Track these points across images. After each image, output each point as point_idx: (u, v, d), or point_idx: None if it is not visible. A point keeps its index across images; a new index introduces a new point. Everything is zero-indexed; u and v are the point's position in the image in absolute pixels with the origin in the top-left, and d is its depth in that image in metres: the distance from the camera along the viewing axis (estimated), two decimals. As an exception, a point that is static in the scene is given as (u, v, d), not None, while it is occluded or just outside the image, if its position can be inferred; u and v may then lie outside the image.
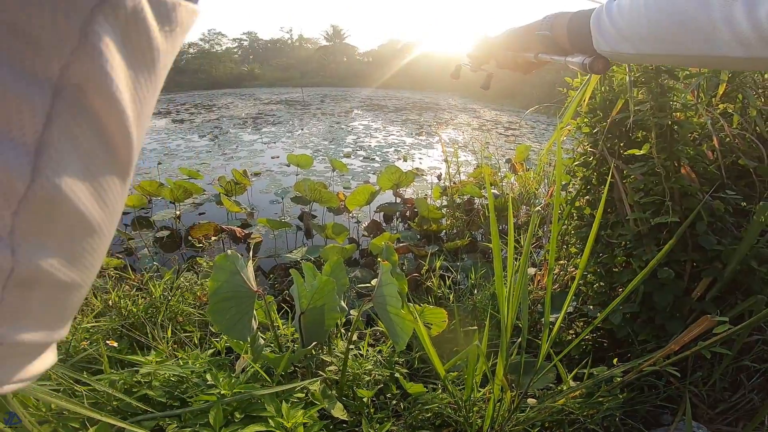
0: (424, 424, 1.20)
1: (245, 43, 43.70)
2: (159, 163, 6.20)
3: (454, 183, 3.79)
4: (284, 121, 11.07)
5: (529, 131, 9.40)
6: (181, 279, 1.91)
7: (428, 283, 2.39)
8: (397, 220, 3.95)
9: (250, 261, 1.16)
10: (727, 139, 1.67)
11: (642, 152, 1.20)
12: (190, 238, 3.05)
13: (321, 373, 1.45)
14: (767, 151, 1.72)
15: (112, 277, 2.03)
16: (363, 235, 3.66)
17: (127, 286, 1.88)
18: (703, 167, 1.32)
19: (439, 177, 5.22)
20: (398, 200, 4.11)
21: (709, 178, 1.43)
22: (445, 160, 3.81)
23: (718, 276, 1.29)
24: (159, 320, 1.61)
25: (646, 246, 1.30)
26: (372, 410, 1.25)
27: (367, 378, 1.41)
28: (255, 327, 1.26)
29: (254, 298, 1.15)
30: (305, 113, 12.71)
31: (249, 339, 1.21)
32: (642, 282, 1.10)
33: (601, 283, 1.60)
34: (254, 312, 1.21)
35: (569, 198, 1.67)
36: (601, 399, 1.14)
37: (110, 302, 1.67)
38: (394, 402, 1.31)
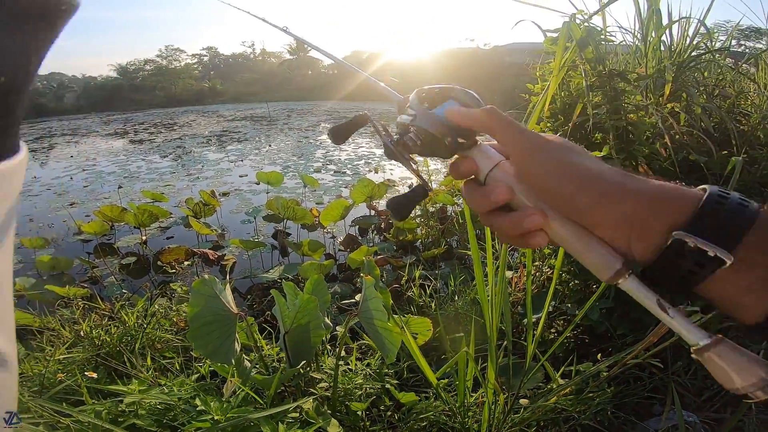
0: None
1: (205, 58, 42.94)
2: (120, 187, 5.95)
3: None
4: (250, 137, 10.90)
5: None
6: (155, 305, 1.86)
7: (409, 293, 2.40)
8: (372, 232, 3.96)
9: (228, 284, 1.13)
10: (677, 136, 1.79)
11: (602, 154, 1.26)
12: (159, 263, 2.93)
13: (312, 390, 1.43)
14: (714, 145, 1.86)
15: (80, 307, 1.94)
16: (339, 250, 3.63)
17: (96, 316, 1.81)
18: (658, 164, 1.40)
19: (410, 187, 5.27)
20: (372, 213, 4.11)
21: (664, 174, 1.52)
22: (415, 171, 3.85)
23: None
24: (136, 348, 1.57)
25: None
26: (367, 423, 1.24)
27: (359, 392, 1.40)
28: (238, 349, 1.23)
29: (236, 320, 1.12)
30: (272, 129, 12.58)
31: (234, 362, 1.19)
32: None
33: (576, 281, 1.66)
34: (236, 334, 1.18)
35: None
36: (590, 394, 1.17)
37: (81, 333, 1.60)
38: (388, 413, 1.30)
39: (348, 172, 6.54)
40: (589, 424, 1.26)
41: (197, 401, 1.04)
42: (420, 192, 0.40)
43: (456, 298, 2.21)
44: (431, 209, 3.64)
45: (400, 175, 6.15)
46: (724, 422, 1.29)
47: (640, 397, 1.37)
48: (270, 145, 9.51)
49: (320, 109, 19.04)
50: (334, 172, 6.61)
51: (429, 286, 2.36)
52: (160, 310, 1.85)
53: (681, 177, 1.63)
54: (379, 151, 8.24)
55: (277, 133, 11.69)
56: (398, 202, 0.40)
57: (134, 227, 3.81)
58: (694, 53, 2.12)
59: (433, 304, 2.21)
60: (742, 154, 1.87)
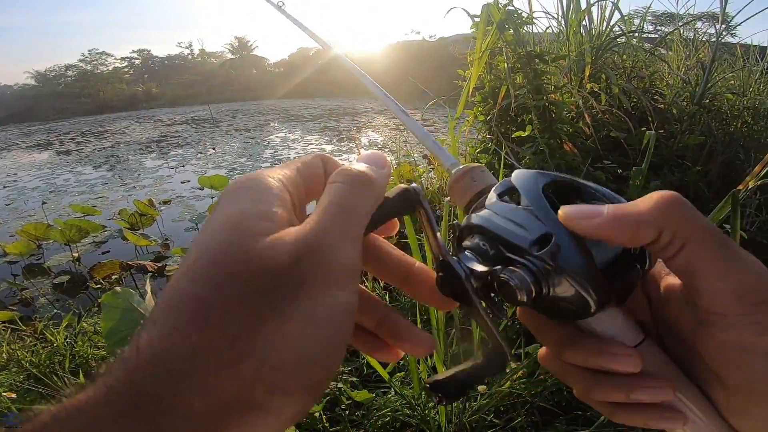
0: (385, 428, 1.19)
1: (137, 61, 40.27)
2: (44, 203, 5.44)
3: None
4: (192, 141, 10.37)
5: (442, 126, 9.87)
6: (84, 323, 1.79)
7: (362, 286, 2.38)
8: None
9: (149, 294, 1.06)
10: (599, 115, 1.90)
11: (526, 134, 1.31)
12: (88, 282, 2.72)
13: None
14: (633, 122, 1.99)
15: (7, 330, 1.83)
16: (291, 249, 3.55)
17: (28, 338, 1.75)
18: (581, 142, 1.48)
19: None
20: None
21: (589, 151, 1.61)
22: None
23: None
24: (67, 367, 1.53)
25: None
26: (327, 424, 1.21)
27: None
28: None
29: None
30: (216, 131, 12.04)
31: None
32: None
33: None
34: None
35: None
36: (542, 376, 1.19)
37: (4, 355, 1.51)
38: (347, 412, 1.28)
39: (297, 170, 6.40)
40: (545, 407, 1.28)
41: None
42: (494, 365, 0.23)
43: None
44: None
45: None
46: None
47: None
48: (214, 149, 9.10)
49: (268, 108, 18.48)
50: (283, 171, 6.44)
51: (381, 279, 2.35)
52: (90, 327, 1.78)
53: (604, 154, 1.74)
54: (329, 147, 8.14)
55: (222, 135, 11.21)
56: (456, 382, 0.23)
57: (64, 244, 3.51)
58: (611, 36, 2.26)
59: (387, 297, 2.22)
60: (659, 130, 2.02)
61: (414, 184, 0.23)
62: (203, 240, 0.18)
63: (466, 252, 0.23)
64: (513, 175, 0.23)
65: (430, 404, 1.17)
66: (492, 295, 0.22)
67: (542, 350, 0.26)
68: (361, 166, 0.22)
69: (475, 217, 0.23)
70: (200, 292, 0.16)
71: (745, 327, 0.19)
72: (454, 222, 0.25)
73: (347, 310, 0.18)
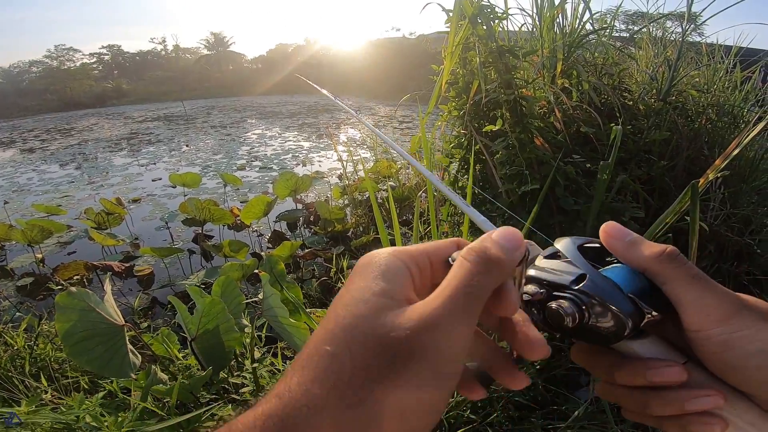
0: None
1: (106, 57, 38.81)
2: (5, 203, 5.18)
3: (354, 181, 3.81)
4: (165, 139, 10.06)
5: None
6: (45, 325, 1.74)
7: (340, 284, 2.36)
8: (302, 226, 3.84)
9: (108, 294, 1.01)
10: (569, 111, 1.92)
11: (497, 128, 1.31)
12: (49, 283, 2.59)
13: (235, 397, 1.35)
14: (602, 118, 2.03)
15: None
16: (268, 248, 3.48)
17: None
18: (552, 137, 1.49)
19: (340, 177, 5.21)
20: (299, 206, 3.99)
21: (559, 146, 1.62)
22: (339, 160, 3.81)
23: (582, 233, 1.46)
24: (27, 370, 1.50)
25: (519, 214, 1.44)
26: None
27: None
28: (137, 362, 1.12)
29: (123, 332, 1.00)
30: (190, 128, 11.72)
31: (138, 375, 1.08)
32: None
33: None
34: (128, 346, 1.06)
35: (451, 180, 1.77)
36: None
37: None
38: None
39: (274, 167, 6.30)
40: (521, 402, 1.29)
41: (87, 418, 0.96)
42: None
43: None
44: (359, 197, 3.62)
45: (329, 167, 6.05)
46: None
47: (566, 369, 1.40)
48: (187, 146, 8.85)
49: (245, 104, 18.12)
50: (260, 168, 6.32)
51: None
52: (51, 330, 1.72)
53: (574, 149, 1.76)
54: (307, 144, 8.03)
55: (196, 132, 10.92)
56: (485, 376, 0.28)
57: (27, 245, 3.34)
58: (582, 34, 2.30)
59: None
60: (627, 126, 2.07)
61: (528, 243, 0.29)
62: (339, 311, 0.23)
63: (523, 296, 0.29)
64: (555, 241, 0.30)
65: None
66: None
67: (598, 386, 0.31)
68: (494, 247, 0.25)
69: (530, 271, 0.29)
70: (336, 351, 0.21)
71: (722, 337, 0.24)
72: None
73: (450, 376, 0.22)
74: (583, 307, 0.26)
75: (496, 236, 0.26)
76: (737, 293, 0.26)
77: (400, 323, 0.21)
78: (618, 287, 0.26)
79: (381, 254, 0.25)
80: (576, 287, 0.26)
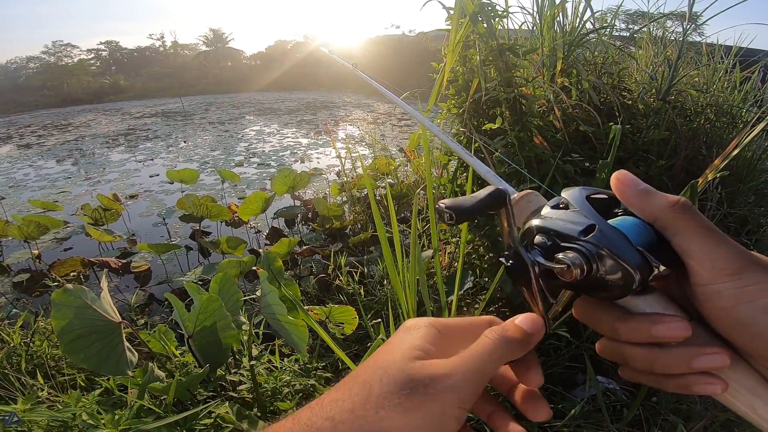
0: None
1: (104, 53, 38.58)
2: (2, 198, 5.15)
3: (353, 178, 3.80)
4: (162, 135, 10.02)
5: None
6: (41, 322, 1.76)
7: (337, 282, 2.35)
8: (300, 223, 3.84)
9: (105, 291, 1.00)
10: (569, 109, 1.92)
11: (496, 126, 1.31)
12: (46, 280, 2.58)
13: (231, 394, 1.35)
14: (601, 117, 2.03)
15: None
16: (266, 245, 3.47)
17: None
18: (551, 135, 1.49)
19: (338, 174, 5.20)
20: (297, 203, 3.98)
21: (558, 144, 1.62)
22: (338, 157, 3.80)
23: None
24: (23, 367, 1.49)
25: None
26: None
27: (287, 389, 1.35)
28: (134, 359, 1.11)
29: (119, 329, 0.99)
30: (188, 124, 11.67)
31: (135, 372, 1.08)
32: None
33: (491, 255, 1.73)
34: (125, 343, 1.05)
35: (450, 177, 1.77)
36: None
37: None
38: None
39: (273, 164, 6.28)
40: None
41: (84, 415, 0.96)
42: (495, 194, 0.29)
43: (384, 282, 2.21)
44: (357, 194, 3.61)
45: (327, 163, 6.04)
46: (642, 387, 1.41)
47: (562, 368, 1.40)
48: (185, 142, 8.81)
49: (243, 101, 18.05)
50: (258, 164, 6.30)
51: (357, 273, 2.33)
52: (48, 327, 1.71)
53: (573, 147, 1.76)
54: (306, 141, 8.01)
55: (194, 128, 10.87)
56: (461, 206, 0.29)
57: (23, 241, 3.33)
58: (583, 32, 2.29)
59: (361, 291, 2.19)
60: (626, 125, 2.07)
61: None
62: (380, 354, 0.28)
63: (533, 248, 0.28)
64: (562, 191, 0.29)
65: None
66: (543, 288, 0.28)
67: (599, 343, 0.31)
68: (515, 331, 0.28)
69: (535, 221, 0.29)
70: (368, 380, 0.26)
71: (732, 291, 0.24)
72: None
73: (454, 418, 0.25)
74: (591, 259, 0.26)
75: (519, 321, 0.29)
76: (751, 252, 0.25)
77: (425, 368, 0.26)
78: (627, 239, 0.25)
79: (421, 321, 0.30)
80: (585, 238, 0.26)
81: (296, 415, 0.26)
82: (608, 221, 0.27)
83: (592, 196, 0.29)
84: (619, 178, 0.28)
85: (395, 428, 0.24)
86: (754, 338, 0.24)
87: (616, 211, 0.29)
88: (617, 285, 0.25)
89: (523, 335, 0.28)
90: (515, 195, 0.32)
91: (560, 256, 0.26)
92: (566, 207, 0.28)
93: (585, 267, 0.26)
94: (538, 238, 0.28)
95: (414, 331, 0.29)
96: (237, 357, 1.53)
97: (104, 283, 1.05)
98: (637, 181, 0.28)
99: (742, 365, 0.25)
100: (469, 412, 0.26)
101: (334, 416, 0.25)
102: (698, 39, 3.14)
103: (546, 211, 0.29)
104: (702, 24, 2.70)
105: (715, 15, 2.19)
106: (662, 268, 0.25)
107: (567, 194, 0.29)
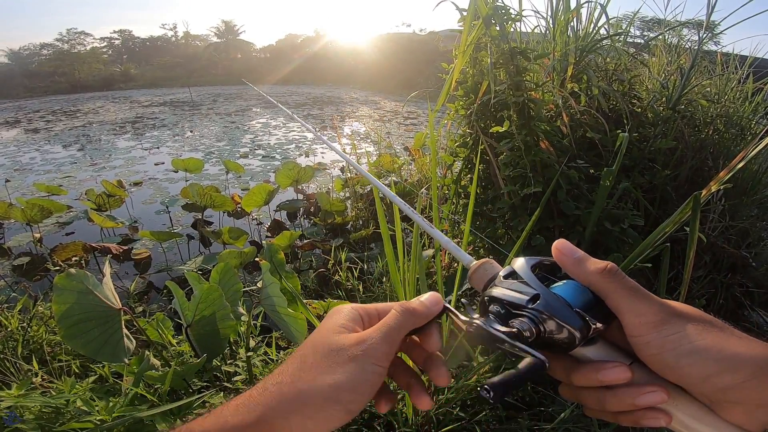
0: (354, 420, 1.17)
1: (117, 42, 38.73)
2: (7, 181, 5.18)
3: (356, 174, 3.79)
4: (169, 124, 10.04)
5: (426, 119, 9.87)
6: (40, 306, 1.73)
7: (336, 277, 2.35)
8: (302, 217, 3.84)
9: (107, 277, 1.00)
10: (577, 115, 1.91)
11: (503, 129, 1.30)
12: (47, 264, 2.59)
13: (228, 385, 1.35)
14: (609, 124, 2.01)
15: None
16: (267, 236, 3.48)
17: None
18: (558, 141, 1.48)
19: (342, 170, 5.20)
20: (300, 197, 3.99)
21: (564, 150, 1.61)
22: (343, 152, 3.78)
23: (580, 238, 1.45)
24: (20, 353, 1.49)
25: (520, 216, 1.43)
26: None
27: None
28: (131, 346, 1.12)
29: (119, 316, 1.00)
30: (195, 114, 11.69)
31: (131, 360, 1.08)
32: (520, 250, 1.20)
33: (490, 256, 1.72)
34: (124, 330, 1.06)
35: (454, 178, 1.76)
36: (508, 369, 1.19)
37: None
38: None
39: (277, 156, 6.28)
40: (509, 402, 1.29)
41: (78, 402, 0.96)
42: (537, 370, 0.30)
43: (384, 279, 2.21)
44: (360, 191, 3.61)
45: (332, 159, 6.04)
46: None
47: None
48: (192, 131, 8.83)
49: (251, 93, 18.06)
50: (263, 157, 6.31)
51: (357, 269, 2.33)
52: (46, 312, 1.70)
53: (579, 154, 1.74)
54: (311, 135, 8.01)
55: (201, 118, 10.89)
56: (505, 383, 0.30)
57: (26, 224, 3.34)
58: (596, 38, 2.27)
59: (360, 287, 2.19)
60: (634, 133, 2.05)
61: (445, 305, 0.35)
62: (315, 335, 0.35)
63: (489, 315, 0.33)
64: (512, 262, 0.34)
65: (399, 397, 1.17)
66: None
67: (560, 387, 0.35)
68: (416, 304, 0.35)
69: (489, 292, 0.34)
70: (305, 353, 0.34)
71: (657, 341, 0.28)
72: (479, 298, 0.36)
73: (375, 372, 0.31)
74: (539, 323, 0.30)
75: (423, 297, 0.35)
76: (669, 301, 0.30)
77: (346, 338, 0.33)
78: (568, 304, 0.30)
79: (345, 306, 0.36)
80: (531, 306, 0.31)
81: (256, 385, 0.33)
82: (552, 287, 0.32)
83: (539, 263, 0.34)
84: (558, 248, 0.33)
85: (325, 383, 0.30)
86: (681, 377, 0.28)
87: (560, 274, 0.33)
88: (563, 342, 0.30)
89: (421, 307, 0.34)
90: (473, 263, 0.37)
91: (514, 322, 0.31)
92: (516, 277, 0.33)
93: (534, 330, 0.30)
94: (492, 308, 0.33)
95: (339, 313, 0.36)
96: (233, 348, 1.54)
97: (107, 269, 1.05)
98: (574, 250, 0.33)
99: (684, 396, 0.29)
100: (387, 375, 0.32)
101: (281, 381, 0.32)
102: (714, 48, 3.11)
103: (498, 281, 0.34)
104: (719, 33, 2.67)
105: (734, 25, 2.16)
106: (599, 324, 0.30)
107: (516, 266, 0.33)
